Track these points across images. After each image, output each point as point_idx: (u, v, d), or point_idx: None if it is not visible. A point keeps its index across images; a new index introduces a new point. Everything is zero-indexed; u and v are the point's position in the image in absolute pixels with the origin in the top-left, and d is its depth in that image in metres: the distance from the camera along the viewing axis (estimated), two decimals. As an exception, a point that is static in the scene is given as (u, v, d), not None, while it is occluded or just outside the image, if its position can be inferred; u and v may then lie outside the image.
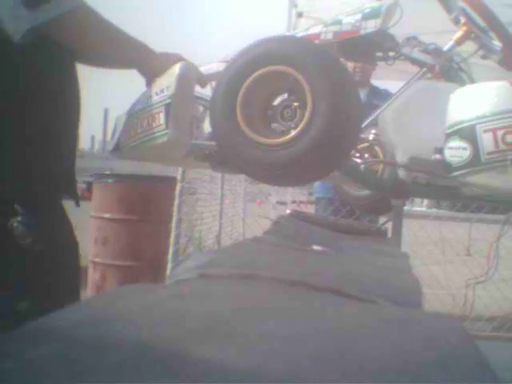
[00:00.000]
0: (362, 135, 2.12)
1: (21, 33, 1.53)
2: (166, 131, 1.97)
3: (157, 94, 2.00)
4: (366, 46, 2.16)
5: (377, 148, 2.29)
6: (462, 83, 2.09)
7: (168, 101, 1.98)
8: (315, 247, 1.60)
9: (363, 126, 2.11)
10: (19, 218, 1.58)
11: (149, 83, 2.02)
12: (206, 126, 2.13)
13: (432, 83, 2.14)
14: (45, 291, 1.61)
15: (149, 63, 1.94)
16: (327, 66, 1.83)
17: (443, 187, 2.05)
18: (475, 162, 1.86)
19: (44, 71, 1.64)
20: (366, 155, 2.27)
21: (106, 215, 5.26)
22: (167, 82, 1.98)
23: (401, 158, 2.01)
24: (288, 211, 2.28)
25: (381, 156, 2.27)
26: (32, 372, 0.51)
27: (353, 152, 2.23)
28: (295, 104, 1.88)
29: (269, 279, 0.92)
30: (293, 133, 1.82)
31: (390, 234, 2.78)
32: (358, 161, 2.24)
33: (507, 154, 1.82)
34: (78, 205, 1.80)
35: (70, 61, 1.74)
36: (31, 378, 0.50)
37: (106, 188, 5.41)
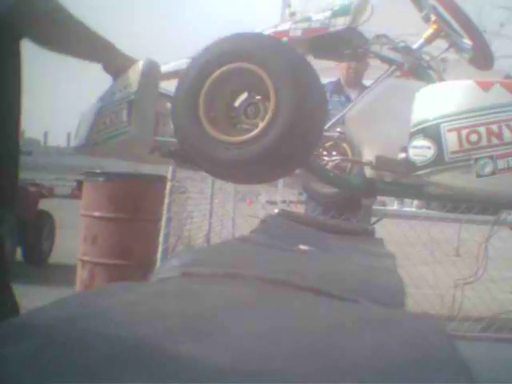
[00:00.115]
0: (329, 133, 2.11)
1: None
2: (128, 128, 1.97)
3: (120, 90, 2.00)
4: (335, 43, 2.14)
5: (345, 146, 2.28)
6: (430, 81, 2.08)
7: (131, 98, 1.97)
8: (302, 247, 1.60)
9: (331, 123, 2.10)
10: None
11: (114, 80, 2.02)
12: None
13: (400, 81, 2.13)
14: None
15: (113, 60, 1.94)
16: (290, 62, 1.80)
17: (409, 186, 2.04)
18: (439, 161, 1.85)
19: None
20: (334, 153, 2.26)
21: (96, 213, 5.25)
22: (130, 79, 1.97)
23: (367, 156, 2.00)
24: (276, 210, 2.28)
25: (349, 154, 2.26)
26: (5, 369, 0.51)
27: (321, 150, 2.22)
28: (259, 102, 1.86)
29: (251, 278, 0.92)
30: (255, 131, 1.80)
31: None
32: (326, 159, 2.23)
33: (471, 153, 1.82)
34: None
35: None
36: (4, 375, 0.50)
37: (96, 186, 5.41)
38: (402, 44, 2.15)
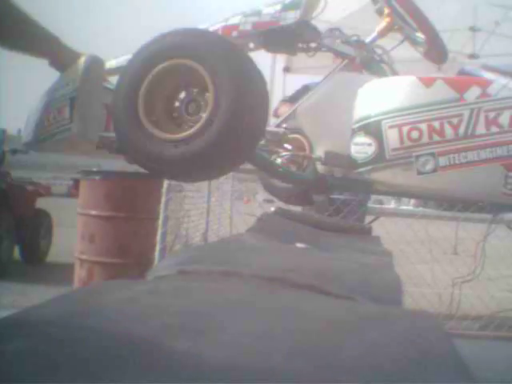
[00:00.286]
0: (275, 129, 2.09)
1: None
2: (70, 125, 1.96)
3: (62, 87, 1.98)
4: (287, 37, 2.12)
5: (303, 140, 2.26)
6: (382, 75, 2.06)
7: (73, 94, 1.96)
8: (298, 245, 1.60)
9: (283, 118, 2.09)
10: None
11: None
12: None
13: (350, 75, 2.11)
14: None
15: (58, 55, 1.91)
16: (228, 56, 1.77)
17: (358, 181, 2.02)
18: (380, 158, 1.83)
19: None
20: (290, 147, 2.24)
21: (93, 212, 5.24)
22: (72, 76, 1.96)
23: (318, 151, 1.99)
24: (273, 209, 2.28)
25: (306, 149, 2.24)
26: (2, 365, 0.51)
27: (276, 145, 2.19)
28: (198, 96, 1.83)
29: (248, 276, 0.91)
30: (200, 122, 1.77)
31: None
32: (277, 154, 2.22)
33: (412, 150, 1.80)
34: None
35: None
36: (1, 371, 0.50)
37: (92, 185, 5.39)
38: (354, 38, 2.13)
